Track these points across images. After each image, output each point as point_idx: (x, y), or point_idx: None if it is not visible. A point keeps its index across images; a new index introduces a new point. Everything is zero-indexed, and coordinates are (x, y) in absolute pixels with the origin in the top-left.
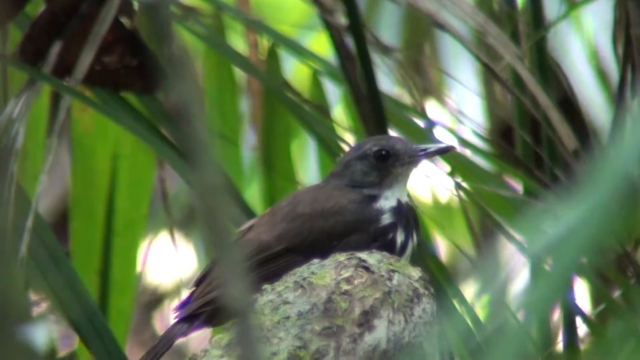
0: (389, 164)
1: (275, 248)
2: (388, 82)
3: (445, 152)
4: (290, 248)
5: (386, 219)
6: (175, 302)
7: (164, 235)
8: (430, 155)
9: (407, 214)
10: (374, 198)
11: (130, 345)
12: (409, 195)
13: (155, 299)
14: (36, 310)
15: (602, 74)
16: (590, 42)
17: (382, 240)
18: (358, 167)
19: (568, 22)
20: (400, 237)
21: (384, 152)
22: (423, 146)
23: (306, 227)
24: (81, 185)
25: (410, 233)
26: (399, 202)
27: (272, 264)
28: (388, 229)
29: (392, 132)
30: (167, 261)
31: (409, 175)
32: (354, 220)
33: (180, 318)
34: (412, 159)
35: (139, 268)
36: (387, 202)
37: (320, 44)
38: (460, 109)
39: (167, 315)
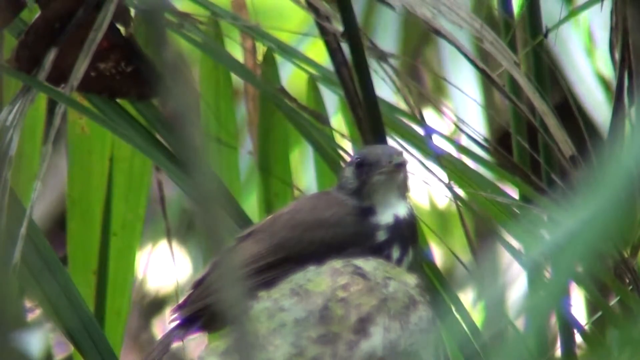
0: (364, 172)
1: (274, 257)
2: (386, 89)
3: (402, 166)
4: (289, 257)
5: (381, 236)
6: (173, 306)
7: (161, 240)
8: (395, 167)
9: (404, 230)
10: (369, 211)
11: (127, 351)
12: (410, 208)
13: (152, 304)
14: (31, 317)
15: (602, 78)
16: (590, 46)
17: (377, 256)
18: (345, 174)
19: (568, 26)
20: (395, 254)
21: (359, 161)
22: (394, 159)
23: (306, 237)
24: (78, 188)
25: (407, 249)
26: (395, 218)
27: (270, 272)
28: (383, 246)
29: (390, 139)
30: (165, 266)
31: (390, 187)
32: (353, 232)
33: (177, 323)
34: (383, 170)
35: (136, 271)
36: (382, 217)
37: (319, 50)
38: (457, 115)
39: (165, 320)
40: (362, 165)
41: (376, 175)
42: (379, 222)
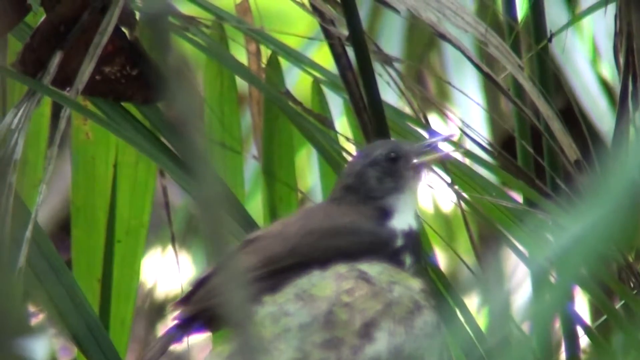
0: (400, 167)
1: (288, 261)
2: (391, 93)
3: (447, 142)
4: (302, 263)
5: (399, 242)
6: (174, 303)
7: (166, 245)
8: (435, 150)
9: (415, 239)
10: (387, 215)
11: (132, 355)
12: (417, 218)
13: (157, 309)
14: (35, 322)
15: (605, 83)
16: (593, 51)
17: (392, 262)
18: (371, 174)
19: (571, 30)
20: (408, 260)
21: (393, 155)
22: (426, 142)
23: (322, 244)
24: (82, 194)
25: (416, 258)
26: (410, 226)
27: (281, 276)
28: (400, 252)
29: None
30: (170, 271)
31: (419, 181)
32: (370, 241)
33: (177, 324)
34: (421, 156)
35: (141, 277)
36: (399, 222)
37: (325, 56)
38: (462, 120)
39: (168, 319)
40: (396, 159)
41: (415, 166)
42: (395, 227)
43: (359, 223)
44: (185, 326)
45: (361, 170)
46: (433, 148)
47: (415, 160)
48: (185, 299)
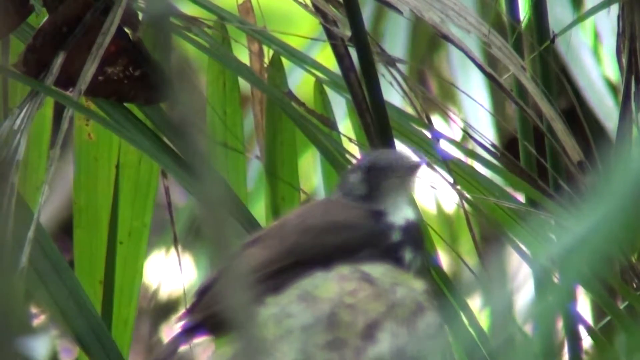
0: (374, 177)
1: (286, 261)
2: (394, 94)
3: (418, 168)
4: (301, 262)
5: (396, 236)
6: (180, 313)
7: (169, 246)
8: (411, 170)
9: (414, 233)
10: (381, 213)
11: (135, 356)
12: (415, 212)
13: (160, 310)
14: (37, 322)
15: (610, 83)
16: (598, 51)
17: (391, 258)
18: (350, 179)
19: (576, 30)
20: (408, 256)
21: (370, 165)
22: (412, 161)
23: (319, 241)
24: (84, 195)
25: (417, 252)
26: (406, 220)
27: (281, 277)
28: (398, 247)
29: (398, 144)
30: (173, 272)
31: (402, 191)
32: (366, 234)
33: (183, 330)
34: (400, 174)
35: (143, 278)
36: (394, 218)
37: (329, 57)
38: (465, 120)
39: (172, 326)
40: (372, 170)
41: (390, 179)
42: (392, 222)
43: (355, 218)
44: (191, 333)
45: (346, 174)
46: (413, 168)
47: (393, 174)
48: (191, 308)
